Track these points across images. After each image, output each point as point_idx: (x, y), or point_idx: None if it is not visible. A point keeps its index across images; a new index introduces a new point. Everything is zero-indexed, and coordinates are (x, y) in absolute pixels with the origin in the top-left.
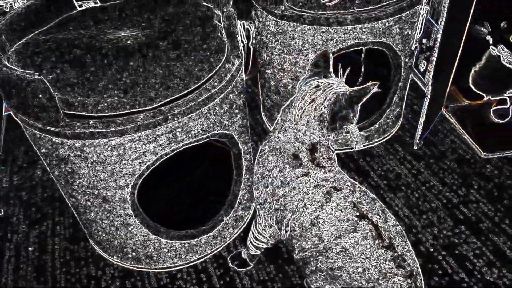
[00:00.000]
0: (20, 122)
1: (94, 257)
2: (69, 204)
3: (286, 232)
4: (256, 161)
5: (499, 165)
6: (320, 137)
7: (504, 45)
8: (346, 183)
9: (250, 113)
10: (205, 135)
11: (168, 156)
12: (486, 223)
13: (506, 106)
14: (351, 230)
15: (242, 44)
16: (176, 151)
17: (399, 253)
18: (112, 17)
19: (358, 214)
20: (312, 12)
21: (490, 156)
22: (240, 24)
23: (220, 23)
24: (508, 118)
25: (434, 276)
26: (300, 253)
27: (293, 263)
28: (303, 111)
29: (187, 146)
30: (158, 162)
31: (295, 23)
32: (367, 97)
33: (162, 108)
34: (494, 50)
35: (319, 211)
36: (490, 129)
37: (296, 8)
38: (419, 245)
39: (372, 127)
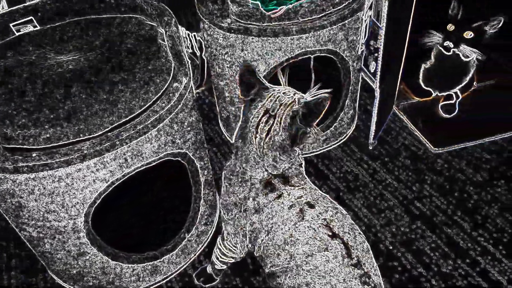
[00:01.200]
0: None
1: None
2: (22, 237)
3: (259, 249)
4: (224, 187)
5: (449, 159)
6: (290, 161)
7: (464, 43)
8: (319, 199)
9: (209, 124)
10: (158, 156)
11: (121, 181)
12: (439, 216)
13: (452, 101)
14: (323, 249)
15: (198, 54)
16: (129, 175)
17: (365, 270)
18: (52, 41)
19: (330, 233)
20: (258, 24)
21: (440, 151)
22: (192, 36)
23: (164, 41)
24: (454, 113)
25: (395, 273)
26: (271, 268)
27: (259, 275)
28: (263, 147)
29: (140, 169)
30: (111, 188)
31: (242, 35)
32: (323, 113)
33: (109, 134)
34: (451, 49)
35: (293, 230)
36: (439, 125)
37: (242, 21)
38: (379, 243)
39: (328, 131)
